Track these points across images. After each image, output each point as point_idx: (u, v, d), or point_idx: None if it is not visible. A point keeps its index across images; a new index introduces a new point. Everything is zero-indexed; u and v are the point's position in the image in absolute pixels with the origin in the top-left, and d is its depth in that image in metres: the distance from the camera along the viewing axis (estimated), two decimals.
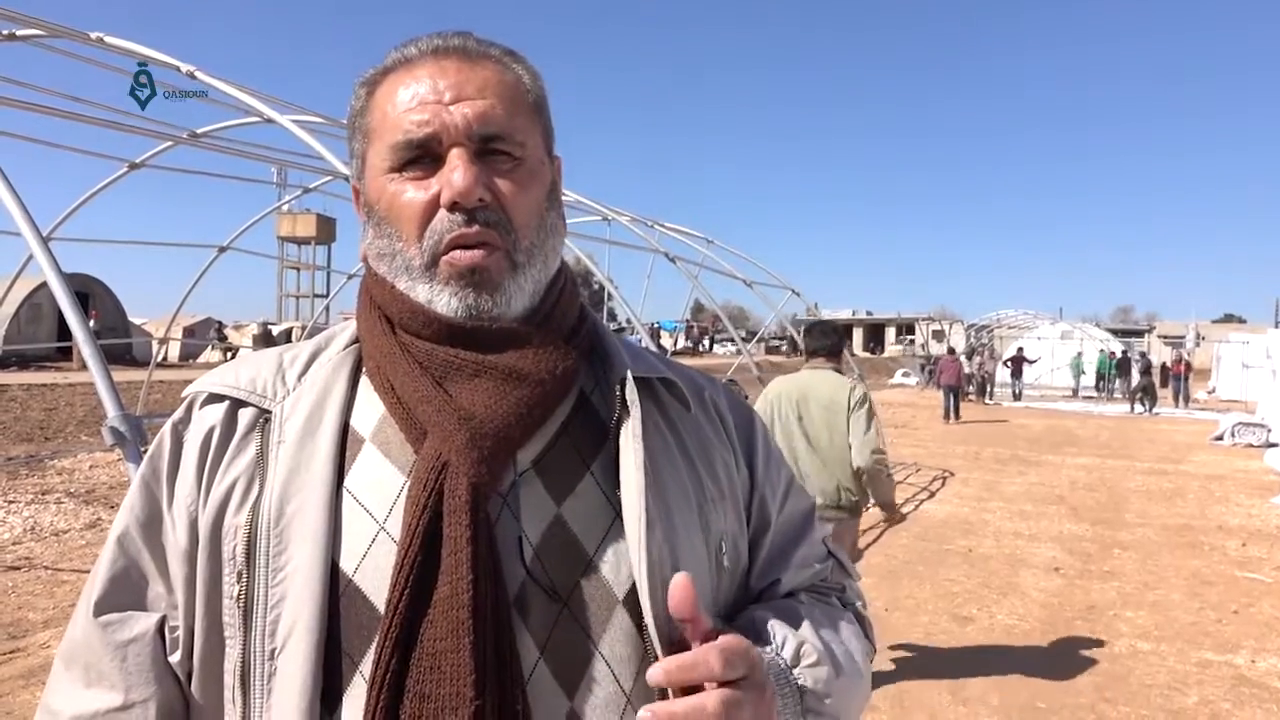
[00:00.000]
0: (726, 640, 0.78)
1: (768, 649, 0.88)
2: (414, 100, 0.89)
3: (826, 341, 4.75)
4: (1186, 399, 27.50)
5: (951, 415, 21.02)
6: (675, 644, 0.83)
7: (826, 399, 4.44)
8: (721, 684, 0.76)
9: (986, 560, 7.73)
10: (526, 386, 0.87)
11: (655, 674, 0.75)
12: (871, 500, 4.51)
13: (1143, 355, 27.52)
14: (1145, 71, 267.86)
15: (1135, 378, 26.56)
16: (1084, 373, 31.68)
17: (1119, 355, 32.13)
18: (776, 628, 0.90)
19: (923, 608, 6.32)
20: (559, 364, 0.89)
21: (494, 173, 0.88)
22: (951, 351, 27.00)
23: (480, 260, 0.87)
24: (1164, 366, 30.81)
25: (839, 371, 4.68)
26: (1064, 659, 5.38)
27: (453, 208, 0.86)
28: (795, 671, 0.88)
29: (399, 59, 0.93)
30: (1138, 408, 25.01)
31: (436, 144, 0.87)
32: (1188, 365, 28.86)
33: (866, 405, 4.44)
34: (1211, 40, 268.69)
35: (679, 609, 0.78)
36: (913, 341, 57.74)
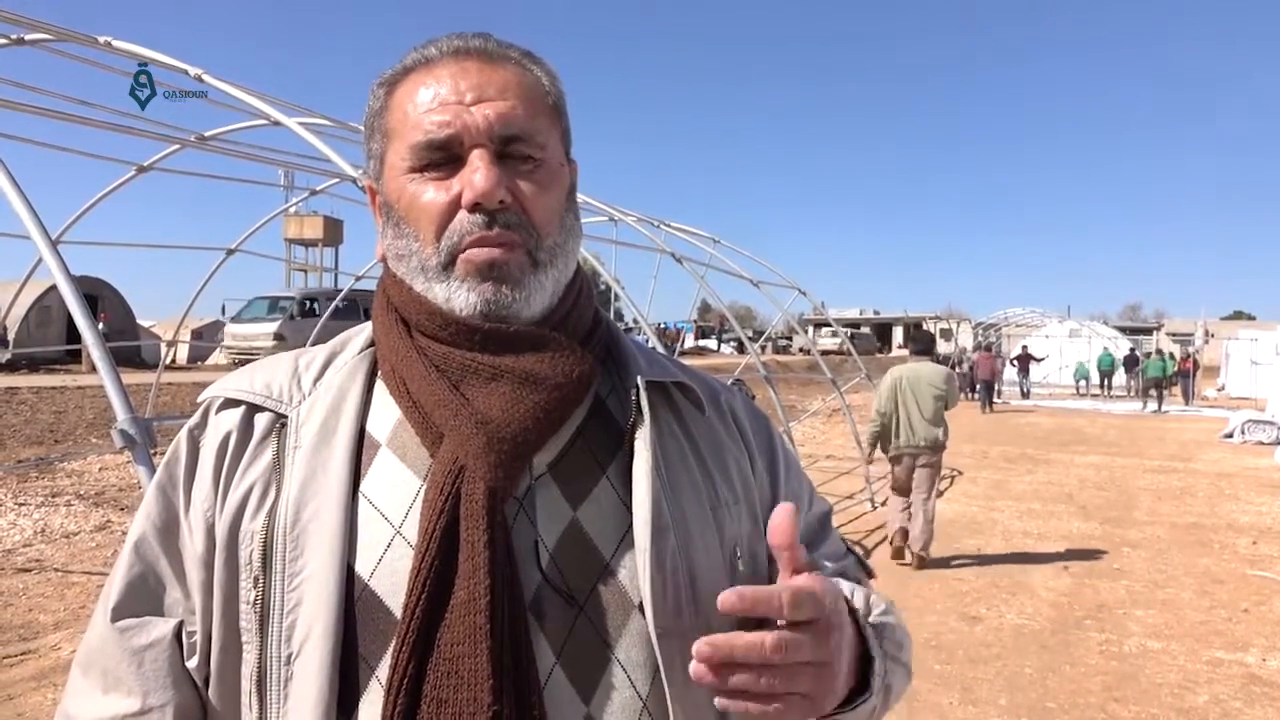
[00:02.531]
0: (799, 582, 0.78)
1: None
2: (435, 101, 0.88)
3: (922, 345, 7.98)
4: (1192, 396, 27.41)
5: (986, 407, 23.89)
6: (680, 650, 0.83)
7: (928, 380, 7.27)
8: (789, 624, 0.77)
9: (995, 559, 7.72)
10: (543, 390, 0.86)
11: (728, 596, 0.75)
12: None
13: (1159, 352, 27.51)
14: (1152, 69, 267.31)
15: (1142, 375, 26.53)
16: (1087, 378, 31.61)
17: (1128, 352, 32.06)
18: (842, 582, 0.91)
19: (931, 607, 6.31)
20: (575, 368, 0.88)
21: (514, 174, 0.88)
22: (988, 349, 28.82)
23: (499, 256, 0.87)
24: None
25: (934, 361, 7.82)
26: (1073, 658, 5.37)
27: (474, 209, 0.86)
28: (871, 618, 0.89)
29: (419, 59, 0.92)
30: (1150, 404, 24.93)
31: (458, 145, 0.87)
32: (1195, 363, 28.76)
33: (954, 382, 7.57)
34: (1217, 38, 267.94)
35: (777, 538, 0.78)
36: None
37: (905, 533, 7.35)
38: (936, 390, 7.24)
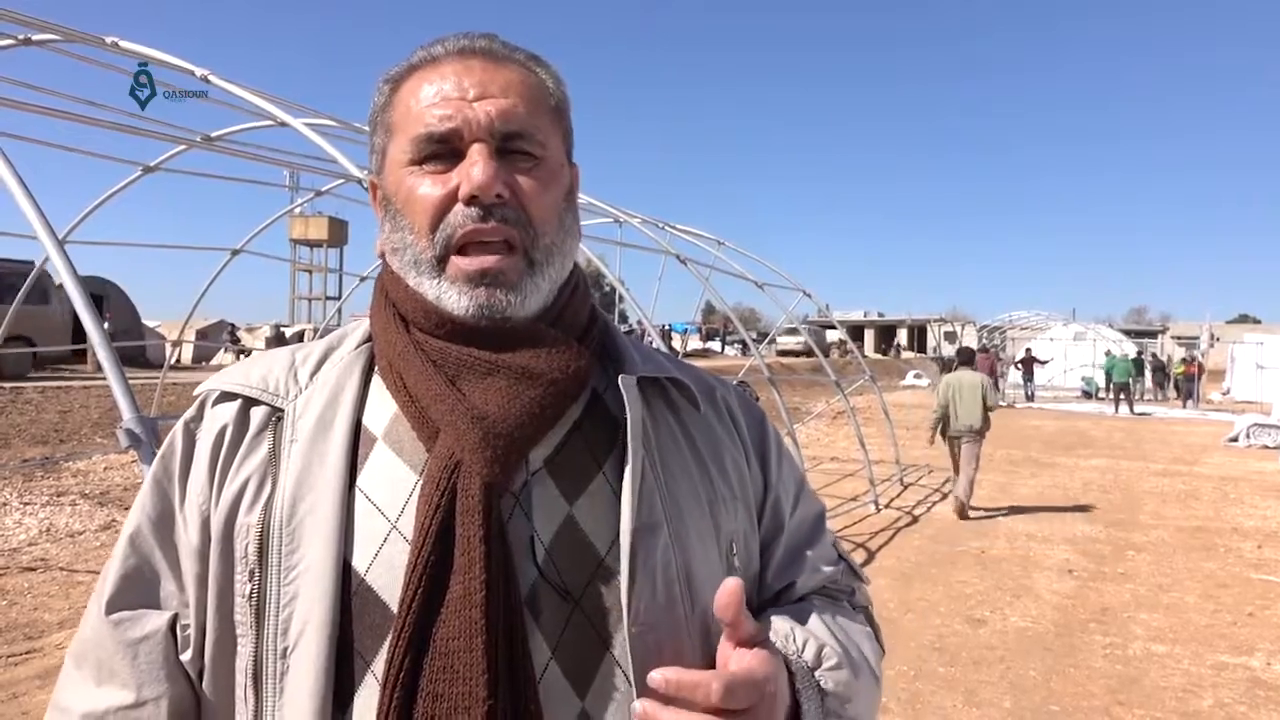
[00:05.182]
0: (740, 671, 0.79)
1: (790, 651, 0.88)
2: (437, 96, 0.89)
3: (965, 357, 10.72)
4: (1195, 399, 27.31)
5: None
6: (667, 645, 0.84)
7: (970, 384, 9.87)
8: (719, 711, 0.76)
9: (999, 562, 7.70)
10: (539, 386, 0.87)
11: (655, 678, 0.76)
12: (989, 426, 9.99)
13: (1154, 356, 27.56)
14: (1157, 72, 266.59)
15: (1148, 378, 26.43)
16: (1095, 391, 31.47)
17: (1134, 355, 31.98)
18: (796, 630, 0.90)
19: (935, 610, 6.30)
20: (572, 363, 0.89)
21: (514, 170, 0.88)
22: (985, 350, 30.60)
23: (492, 265, 0.87)
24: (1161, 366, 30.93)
25: (973, 370, 10.34)
26: (1078, 661, 5.36)
27: (470, 201, 0.86)
28: (817, 674, 0.88)
29: (425, 57, 0.93)
30: (1122, 408, 24.80)
31: (458, 139, 0.87)
32: (1199, 366, 28.65)
33: (990, 383, 10.11)
34: (1221, 43, 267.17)
35: (723, 611, 0.79)
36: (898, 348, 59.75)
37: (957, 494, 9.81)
38: (975, 391, 9.84)
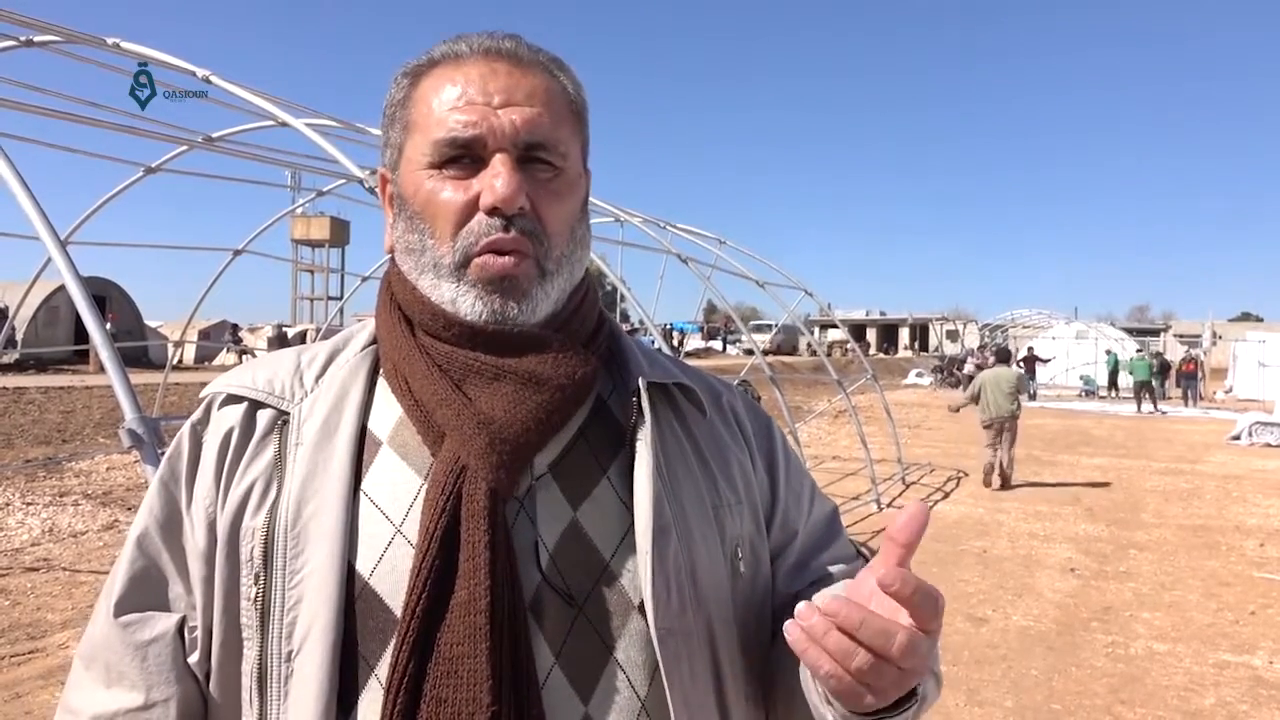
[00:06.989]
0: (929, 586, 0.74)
1: None
2: (462, 100, 0.88)
3: (1001, 355, 13.14)
4: (1195, 397, 27.24)
5: None
6: (683, 650, 0.83)
7: (1005, 378, 11.69)
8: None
9: (1001, 561, 7.70)
10: (545, 391, 0.87)
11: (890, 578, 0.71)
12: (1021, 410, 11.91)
13: (1158, 354, 27.56)
14: (1158, 71, 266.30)
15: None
16: (1094, 390, 31.35)
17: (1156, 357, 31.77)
18: None
19: None
20: (578, 369, 0.89)
21: (534, 181, 0.88)
22: (982, 348, 32.68)
23: (511, 269, 0.87)
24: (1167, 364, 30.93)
25: (1008, 366, 12.55)
26: (1079, 660, 5.36)
27: (492, 212, 0.86)
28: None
29: (447, 53, 0.92)
30: (1145, 406, 24.78)
31: (481, 147, 0.87)
32: (1196, 364, 28.55)
33: (1021, 378, 12.28)
34: (1223, 40, 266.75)
35: (901, 534, 0.74)
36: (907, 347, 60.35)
37: (1000, 470, 11.36)
38: (1010, 384, 11.57)
